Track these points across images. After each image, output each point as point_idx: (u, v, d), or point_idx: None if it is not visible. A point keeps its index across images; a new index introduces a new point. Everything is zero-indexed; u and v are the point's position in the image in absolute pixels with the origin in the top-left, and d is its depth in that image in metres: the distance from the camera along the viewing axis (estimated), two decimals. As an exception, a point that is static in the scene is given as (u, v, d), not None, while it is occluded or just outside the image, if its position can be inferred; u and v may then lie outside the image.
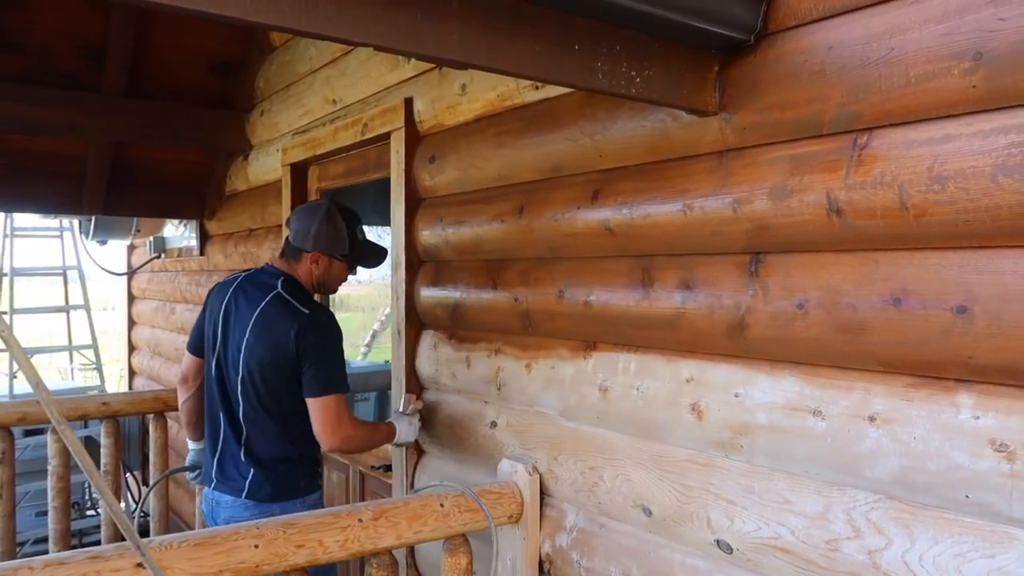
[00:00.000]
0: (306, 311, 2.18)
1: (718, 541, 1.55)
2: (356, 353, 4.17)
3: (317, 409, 2.12)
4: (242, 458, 2.24)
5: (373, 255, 2.43)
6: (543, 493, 2.02)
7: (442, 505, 1.87)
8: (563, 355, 1.98)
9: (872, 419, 1.30)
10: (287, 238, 2.36)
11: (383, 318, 3.75)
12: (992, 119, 1.14)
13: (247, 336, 2.21)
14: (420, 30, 1.11)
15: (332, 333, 2.22)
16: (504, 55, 1.23)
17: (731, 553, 1.53)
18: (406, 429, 2.36)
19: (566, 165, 1.95)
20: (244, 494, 2.21)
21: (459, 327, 2.40)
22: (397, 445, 2.41)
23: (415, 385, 2.58)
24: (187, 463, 2.57)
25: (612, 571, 1.80)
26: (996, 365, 1.15)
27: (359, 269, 2.50)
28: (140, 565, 1.50)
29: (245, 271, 2.41)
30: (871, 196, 1.28)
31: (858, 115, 1.31)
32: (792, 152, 1.42)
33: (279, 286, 2.24)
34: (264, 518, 2.17)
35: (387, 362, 2.68)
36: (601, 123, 1.81)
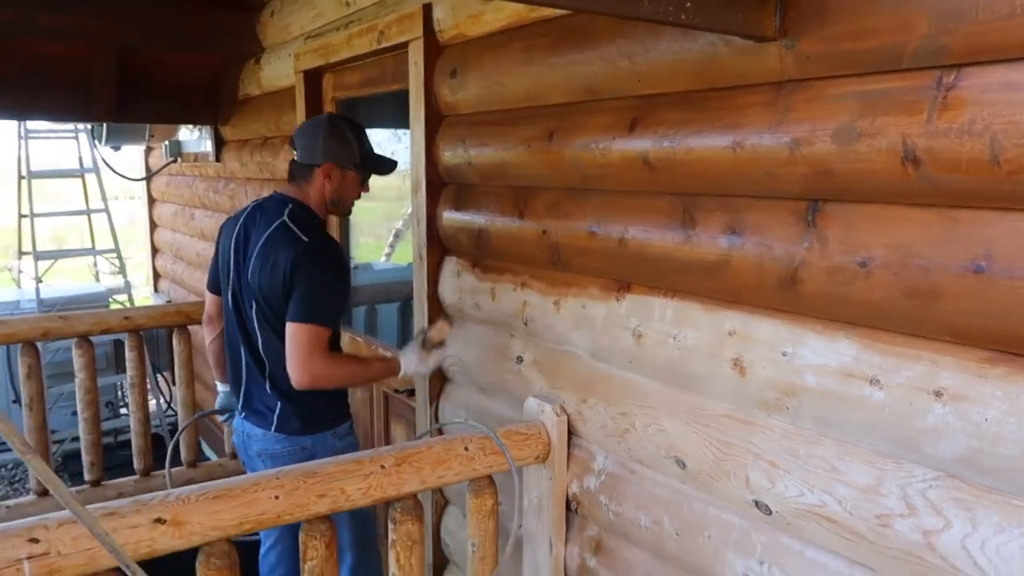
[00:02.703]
0: (306, 239, 2.08)
1: (756, 502, 1.48)
2: (379, 252, 3.98)
3: (289, 336, 2.01)
4: (268, 391, 2.20)
5: (384, 164, 2.32)
6: (571, 434, 1.96)
7: (467, 448, 1.81)
8: (594, 294, 1.87)
9: (938, 394, 1.18)
10: (292, 160, 2.24)
11: (407, 215, 3.58)
12: (1114, 61, 0.96)
13: (253, 265, 2.14)
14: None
15: (329, 262, 2.09)
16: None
17: (771, 515, 1.46)
18: (415, 362, 2.23)
19: (601, 88, 1.77)
20: (273, 427, 2.18)
21: (483, 256, 2.28)
22: (405, 378, 2.30)
23: (438, 312, 2.49)
24: (217, 405, 2.53)
25: (642, 518, 1.75)
26: (1091, 348, 1.02)
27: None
28: (159, 519, 1.47)
29: (254, 201, 2.30)
30: (956, 146, 1.11)
31: (946, 49, 1.12)
32: (864, 88, 1.24)
33: (285, 214, 2.14)
34: (295, 451, 2.16)
35: (411, 264, 2.56)
36: (641, 43, 1.62)
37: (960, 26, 1.10)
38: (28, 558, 1.36)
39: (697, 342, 1.59)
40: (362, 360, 2.23)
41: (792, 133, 1.34)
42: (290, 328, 2.01)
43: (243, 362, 2.23)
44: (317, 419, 2.20)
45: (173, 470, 3.73)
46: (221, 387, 2.53)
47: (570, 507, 1.98)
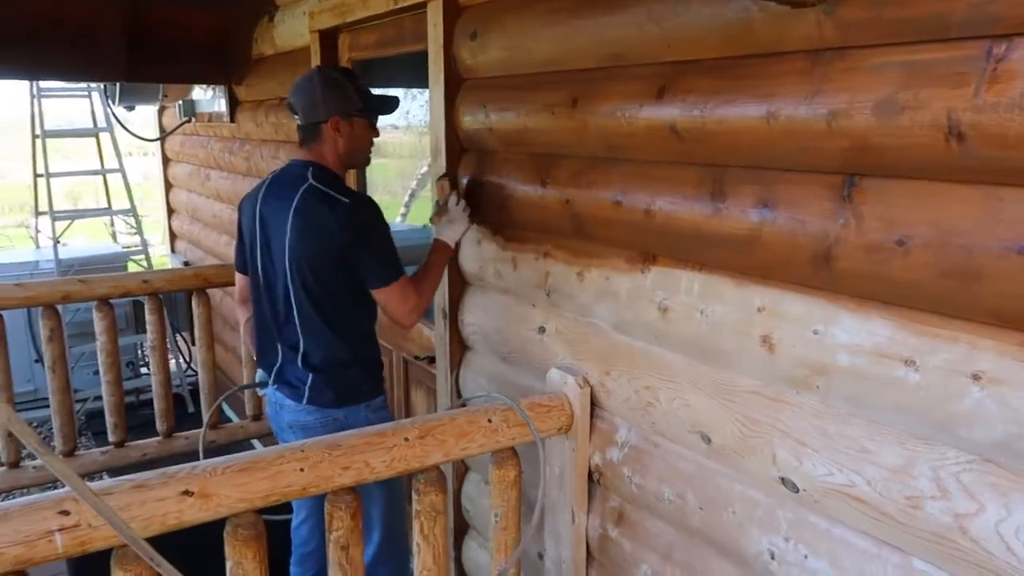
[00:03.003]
0: (346, 200, 2.05)
1: (783, 479, 1.47)
2: (395, 211, 3.92)
3: (386, 299, 2.08)
4: (299, 364, 2.17)
5: (388, 102, 2.26)
6: (594, 405, 1.95)
7: (490, 420, 1.81)
8: (619, 266, 1.84)
9: (976, 377, 1.15)
10: (298, 125, 2.19)
11: (420, 175, 3.53)
12: None
13: (288, 237, 2.09)
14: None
15: (378, 217, 2.12)
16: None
17: (797, 492, 1.45)
18: (453, 231, 2.25)
19: (628, 54, 1.72)
20: (305, 400, 2.16)
21: (505, 224, 2.25)
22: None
23: (459, 282, 2.48)
24: (256, 379, 2.49)
25: (665, 491, 1.75)
26: None
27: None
28: (187, 492, 1.48)
29: (270, 175, 2.26)
30: (1004, 121, 1.06)
31: (997, 18, 1.07)
32: (907, 58, 1.19)
33: (309, 176, 2.10)
34: (327, 423, 2.15)
35: (426, 226, 2.53)
36: (671, 6, 1.56)
37: (1013, -7, 1.04)
38: (60, 530, 1.37)
39: (725, 317, 1.57)
40: (426, 268, 2.20)
41: (830, 104, 1.29)
42: (382, 294, 2.07)
43: (275, 336, 2.21)
44: (351, 391, 2.18)
45: (192, 432, 3.79)
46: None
47: (592, 478, 1.98)
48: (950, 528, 1.20)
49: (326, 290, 2.10)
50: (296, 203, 2.08)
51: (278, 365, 2.23)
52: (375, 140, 2.26)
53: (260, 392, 2.54)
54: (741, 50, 1.47)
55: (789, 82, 1.36)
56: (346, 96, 2.12)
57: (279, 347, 2.22)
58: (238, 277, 2.40)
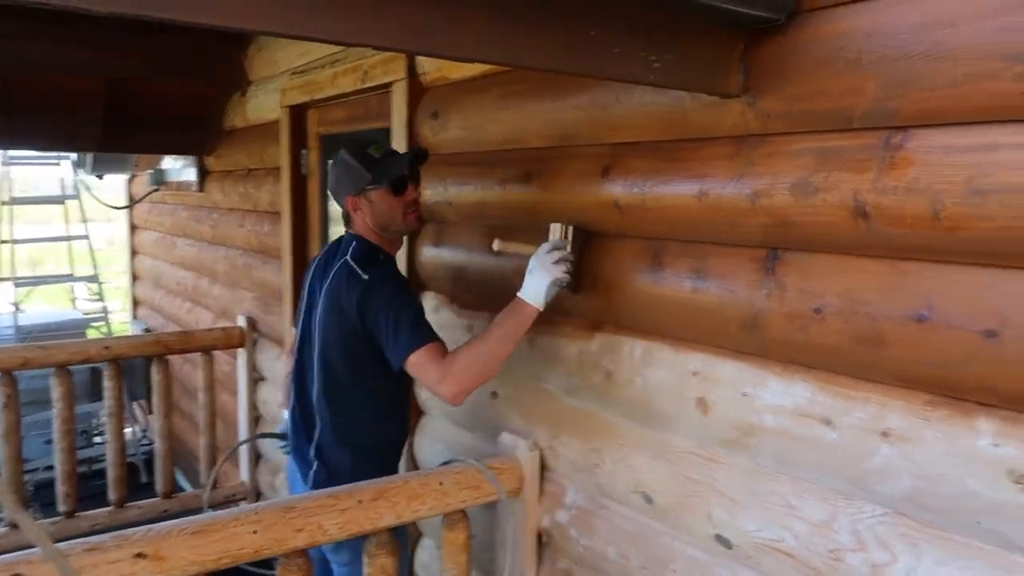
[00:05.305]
0: (365, 276, 1.93)
1: (719, 536, 1.54)
2: None
3: (413, 372, 1.86)
4: (310, 443, 2.11)
5: (400, 161, 2.04)
6: (543, 468, 2.00)
7: (441, 484, 1.85)
8: (567, 333, 1.93)
9: (886, 435, 1.25)
10: None
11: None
12: (1042, 131, 1.05)
13: (320, 311, 2.04)
14: (423, 25, 1.01)
15: (391, 284, 1.96)
16: (514, 45, 1.13)
17: (731, 549, 1.51)
18: (532, 285, 1.74)
19: (576, 135, 1.85)
20: (311, 483, 2.09)
21: (461, 292, 2.34)
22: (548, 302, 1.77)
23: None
24: (279, 430, 2.45)
25: (610, 552, 1.80)
26: (1023, 394, 1.09)
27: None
28: (140, 554, 1.49)
29: (339, 238, 2.20)
30: (902, 202, 1.19)
31: (894, 112, 1.21)
32: (819, 145, 1.32)
33: (349, 252, 2.01)
34: None
35: None
36: (615, 94, 1.70)
37: (907, 91, 1.19)
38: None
39: (664, 381, 1.66)
40: (485, 333, 1.81)
41: (753, 185, 1.42)
42: (409, 367, 1.86)
43: (297, 408, 2.17)
44: (354, 478, 1.98)
45: (145, 502, 3.73)
46: (287, 414, 2.41)
47: (541, 540, 2.02)
48: (869, 579, 1.27)
49: (343, 371, 2.02)
50: (331, 279, 2.02)
51: (295, 433, 2.18)
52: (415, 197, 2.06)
53: (280, 445, 2.47)
54: (677, 134, 1.60)
55: (718, 164, 1.50)
56: (353, 173, 2.02)
57: (298, 416, 2.16)
58: (294, 330, 2.34)
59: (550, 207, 1.93)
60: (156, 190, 5.36)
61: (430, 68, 2.38)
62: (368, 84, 2.65)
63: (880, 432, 1.26)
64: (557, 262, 1.73)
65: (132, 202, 6.07)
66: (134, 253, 6.53)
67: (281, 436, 2.41)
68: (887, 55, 1.20)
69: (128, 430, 4.98)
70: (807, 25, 1.32)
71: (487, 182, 2.15)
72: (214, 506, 2.17)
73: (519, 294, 1.76)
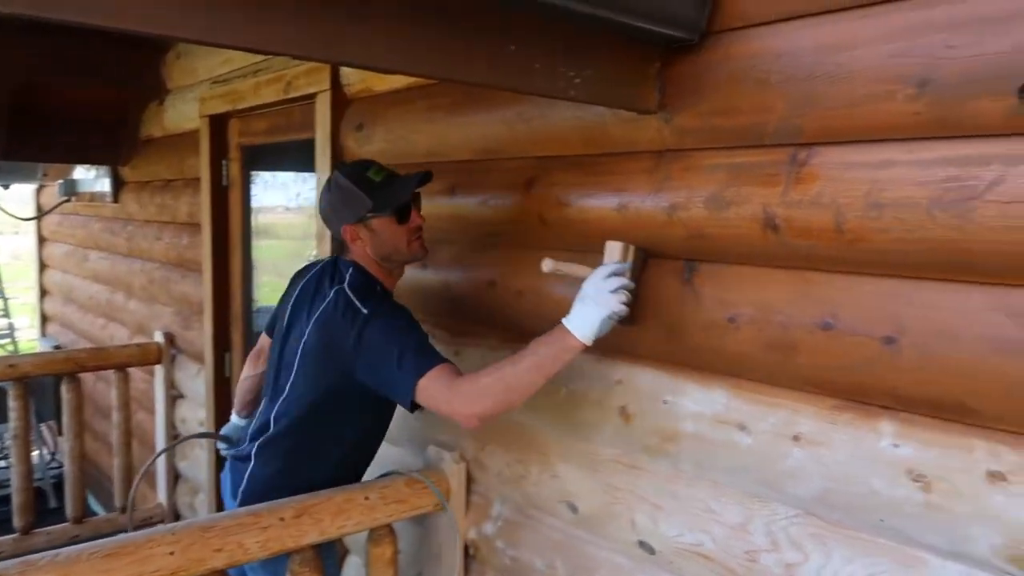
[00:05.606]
0: (365, 310, 1.75)
1: (641, 542, 1.57)
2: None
3: (425, 401, 1.66)
4: (246, 459, 1.96)
5: (404, 186, 1.85)
6: (469, 480, 2.00)
7: (367, 498, 1.83)
8: (492, 344, 1.94)
9: (797, 438, 1.30)
10: None
11: (312, 256, 3.57)
12: (933, 148, 1.12)
13: (305, 338, 1.86)
14: (340, 34, 1.01)
15: (388, 313, 1.78)
16: (434, 57, 1.14)
17: (653, 554, 1.55)
18: (583, 315, 1.46)
19: (500, 149, 1.88)
20: (238, 500, 1.94)
21: (387, 305, 2.32)
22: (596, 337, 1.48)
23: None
24: (223, 431, 2.30)
25: (537, 562, 1.81)
26: (920, 397, 1.16)
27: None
28: None
29: (329, 258, 2.04)
30: (808, 215, 1.25)
31: (800, 129, 1.27)
32: (731, 161, 1.38)
33: (347, 281, 1.84)
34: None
35: None
36: (539, 109, 1.73)
37: (811, 110, 1.25)
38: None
39: (587, 391, 1.68)
40: (517, 356, 1.55)
41: (671, 198, 1.46)
42: (419, 397, 1.66)
43: (258, 415, 2.03)
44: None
45: (54, 528, 3.55)
46: (236, 420, 2.30)
47: (468, 553, 2.01)
48: (783, 579, 1.32)
49: (315, 401, 1.86)
50: (325, 304, 1.83)
51: (242, 441, 2.06)
52: (419, 223, 1.88)
53: (220, 446, 2.32)
54: (598, 149, 1.64)
55: (638, 178, 1.54)
56: (352, 200, 1.83)
57: (256, 423, 2.01)
58: (263, 335, 2.23)
59: (475, 220, 1.94)
60: (67, 201, 5.13)
61: (355, 79, 2.36)
62: (292, 95, 2.62)
63: (792, 436, 1.31)
64: (616, 290, 1.45)
65: (41, 213, 5.80)
66: (43, 267, 6.23)
67: (223, 438, 2.26)
68: (794, 75, 1.26)
69: (35, 453, 4.73)
70: (720, 45, 1.38)
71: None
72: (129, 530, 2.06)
73: (564, 322, 1.48)
